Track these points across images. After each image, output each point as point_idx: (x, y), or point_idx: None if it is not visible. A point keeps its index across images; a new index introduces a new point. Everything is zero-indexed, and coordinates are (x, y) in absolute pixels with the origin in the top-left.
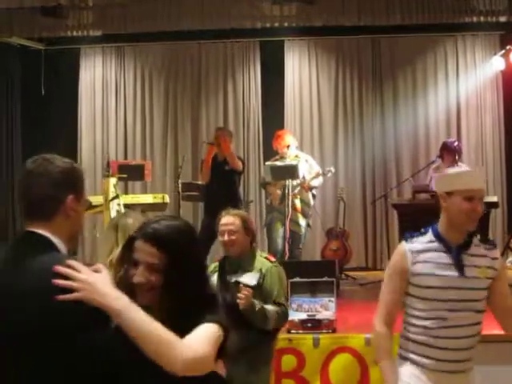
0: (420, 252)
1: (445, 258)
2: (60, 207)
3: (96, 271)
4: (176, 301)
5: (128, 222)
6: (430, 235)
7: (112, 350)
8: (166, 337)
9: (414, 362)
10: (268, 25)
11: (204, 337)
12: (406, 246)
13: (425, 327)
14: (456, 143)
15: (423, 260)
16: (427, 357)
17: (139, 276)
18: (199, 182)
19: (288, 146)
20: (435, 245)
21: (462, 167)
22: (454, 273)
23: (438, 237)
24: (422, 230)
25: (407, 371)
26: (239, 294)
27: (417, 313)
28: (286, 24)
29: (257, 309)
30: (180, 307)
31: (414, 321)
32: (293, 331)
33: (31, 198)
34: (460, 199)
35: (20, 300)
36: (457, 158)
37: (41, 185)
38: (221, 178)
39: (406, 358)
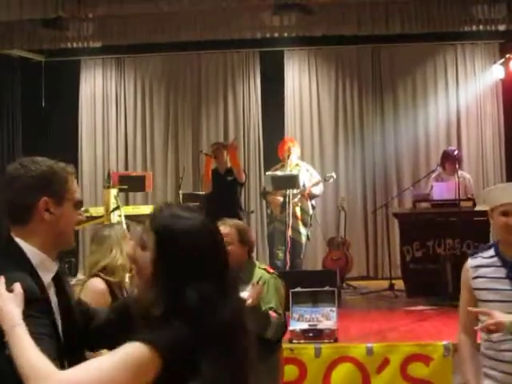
0: (479, 267)
1: (501, 272)
2: (32, 211)
3: (10, 291)
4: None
5: (103, 234)
6: (492, 250)
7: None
8: (35, 368)
9: (488, 377)
10: (268, 35)
11: (100, 363)
12: (468, 262)
13: (491, 341)
14: (456, 151)
15: (480, 275)
16: (496, 370)
17: (130, 248)
18: (200, 193)
19: (289, 155)
20: (494, 260)
21: (465, 175)
22: (509, 286)
23: (497, 252)
24: (489, 244)
25: None
26: (251, 289)
27: None
28: (285, 34)
29: (262, 309)
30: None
31: (483, 335)
32: (294, 341)
33: (3, 205)
34: (497, 215)
35: None
36: (457, 166)
37: (11, 190)
38: (223, 188)
39: (484, 374)
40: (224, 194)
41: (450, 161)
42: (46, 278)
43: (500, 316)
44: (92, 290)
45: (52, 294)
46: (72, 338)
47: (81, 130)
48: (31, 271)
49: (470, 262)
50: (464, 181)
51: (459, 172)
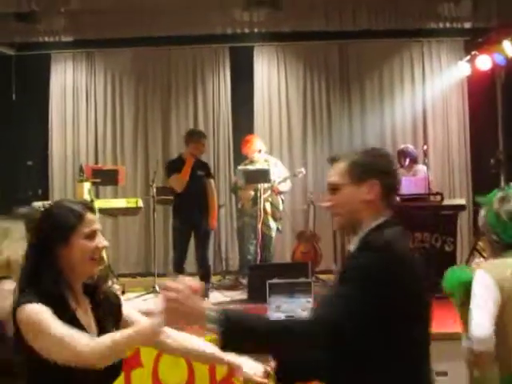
0: None
1: None
2: None
3: None
4: None
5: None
6: None
7: None
8: None
9: None
10: (238, 31)
11: None
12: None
13: None
14: (408, 147)
15: None
16: None
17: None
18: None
19: (260, 151)
20: None
21: (420, 168)
22: None
23: None
24: None
25: None
26: None
27: None
28: (255, 30)
29: None
30: None
31: None
32: None
33: None
34: None
35: None
36: (411, 160)
37: None
38: (193, 182)
39: None
40: (195, 189)
41: (403, 158)
42: None
43: None
44: None
45: None
46: None
47: (51, 124)
48: None
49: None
50: (418, 173)
51: (416, 166)
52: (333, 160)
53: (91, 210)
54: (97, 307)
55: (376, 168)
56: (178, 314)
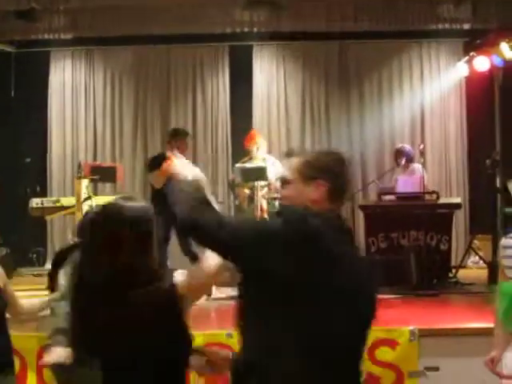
0: (508, 248)
1: None
2: None
3: None
4: None
5: None
6: None
7: None
8: None
9: None
10: (238, 30)
11: None
12: (502, 241)
13: None
14: (402, 147)
15: (508, 255)
16: None
17: None
18: None
19: (258, 148)
20: None
21: (416, 166)
22: None
23: None
24: None
25: None
26: None
27: None
28: (255, 29)
29: None
30: None
31: None
32: None
33: None
34: None
35: None
36: (407, 159)
37: None
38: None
39: None
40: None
41: (399, 157)
42: None
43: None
44: None
45: None
46: None
47: (50, 121)
48: None
49: (503, 241)
50: (415, 172)
51: (412, 165)
52: (288, 154)
53: None
54: None
55: (326, 170)
56: None
